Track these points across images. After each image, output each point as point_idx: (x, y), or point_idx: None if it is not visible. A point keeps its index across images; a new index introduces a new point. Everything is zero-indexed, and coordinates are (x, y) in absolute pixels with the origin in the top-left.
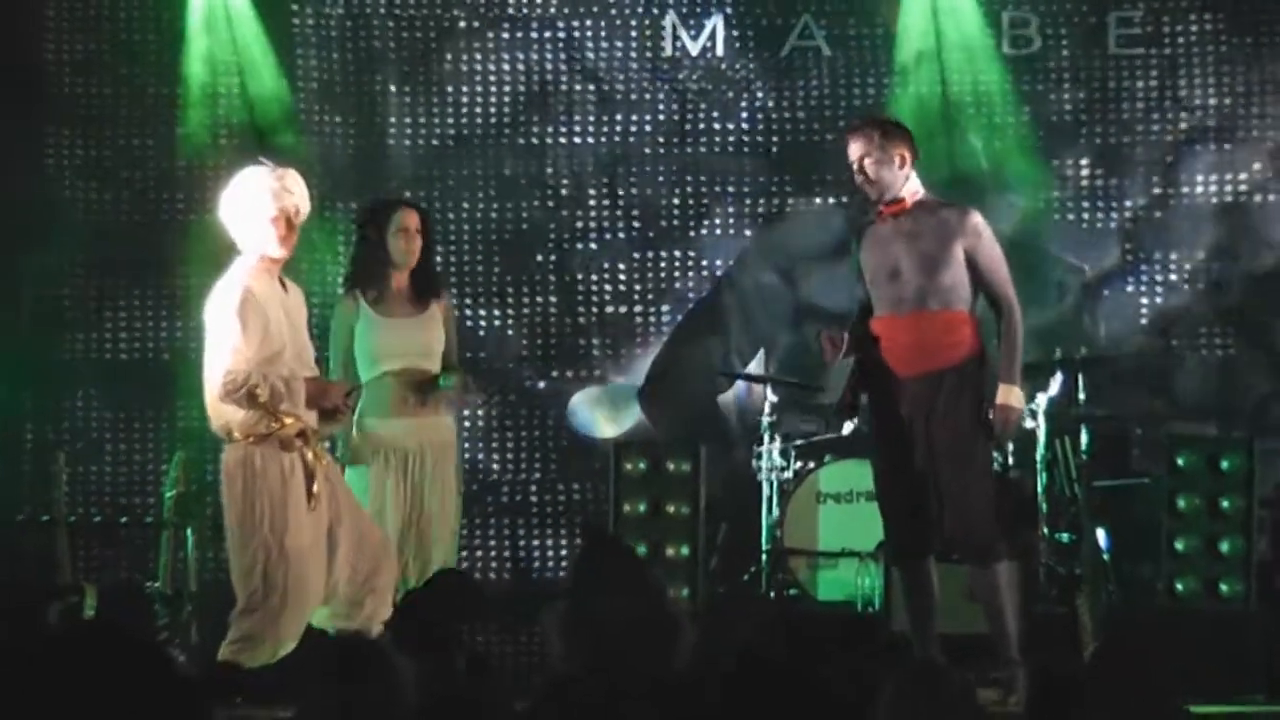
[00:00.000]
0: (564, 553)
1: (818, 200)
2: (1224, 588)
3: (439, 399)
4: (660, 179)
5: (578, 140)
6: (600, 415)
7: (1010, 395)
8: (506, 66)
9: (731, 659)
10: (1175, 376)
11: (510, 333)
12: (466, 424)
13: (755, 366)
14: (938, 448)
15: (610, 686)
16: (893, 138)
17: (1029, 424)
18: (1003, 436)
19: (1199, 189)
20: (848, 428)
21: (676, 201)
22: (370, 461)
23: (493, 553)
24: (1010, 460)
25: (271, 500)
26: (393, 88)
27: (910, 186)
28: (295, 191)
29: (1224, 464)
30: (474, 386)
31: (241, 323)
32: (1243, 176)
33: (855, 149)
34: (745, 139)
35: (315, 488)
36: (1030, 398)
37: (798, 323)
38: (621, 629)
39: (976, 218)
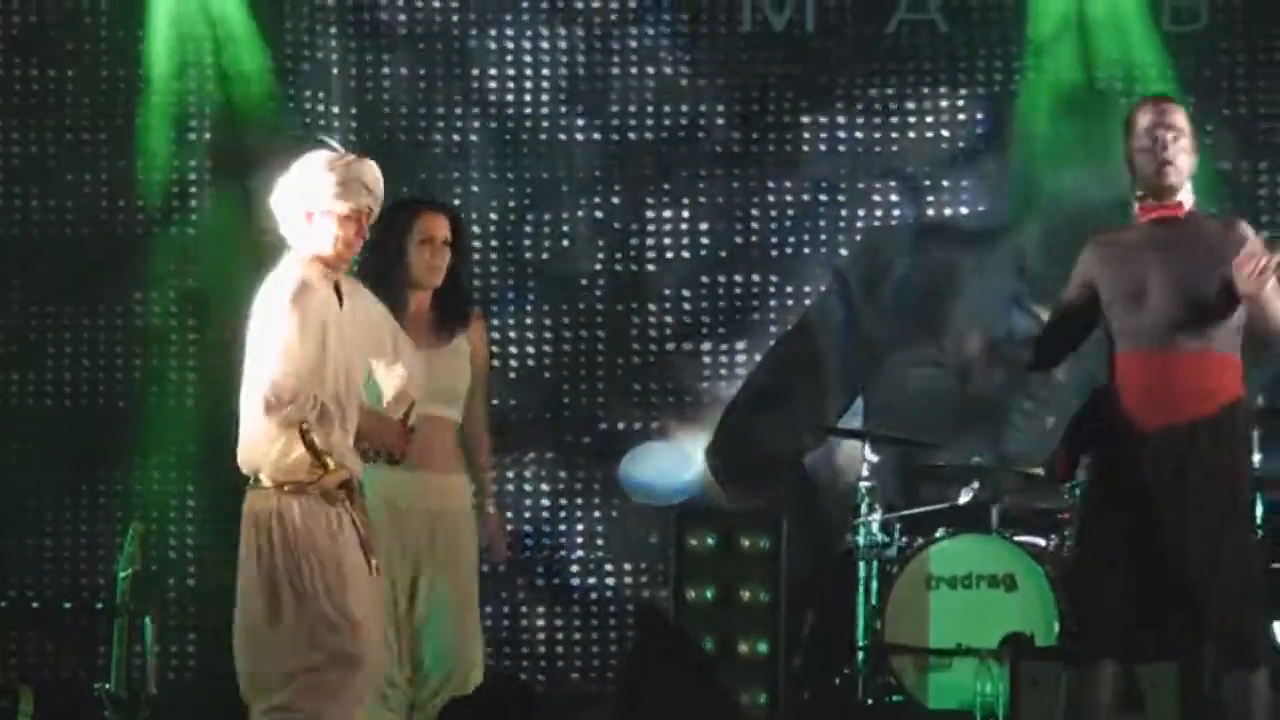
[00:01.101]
0: (613, 649)
1: (930, 212)
2: None
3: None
4: (734, 184)
5: (632, 135)
6: (660, 478)
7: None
8: (545, 48)
9: None
10: None
11: (547, 375)
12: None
13: (852, 420)
14: (1190, 516)
15: None
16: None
17: None
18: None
19: None
20: (965, 496)
21: (755, 213)
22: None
23: (524, 649)
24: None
25: (322, 559)
26: (404, 70)
27: (1190, 192)
28: (372, 188)
29: None
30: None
31: (300, 316)
32: None
33: (1179, 118)
34: (841, 134)
35: (374, 555)
36: None
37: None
38: None
39: (1244, 227)
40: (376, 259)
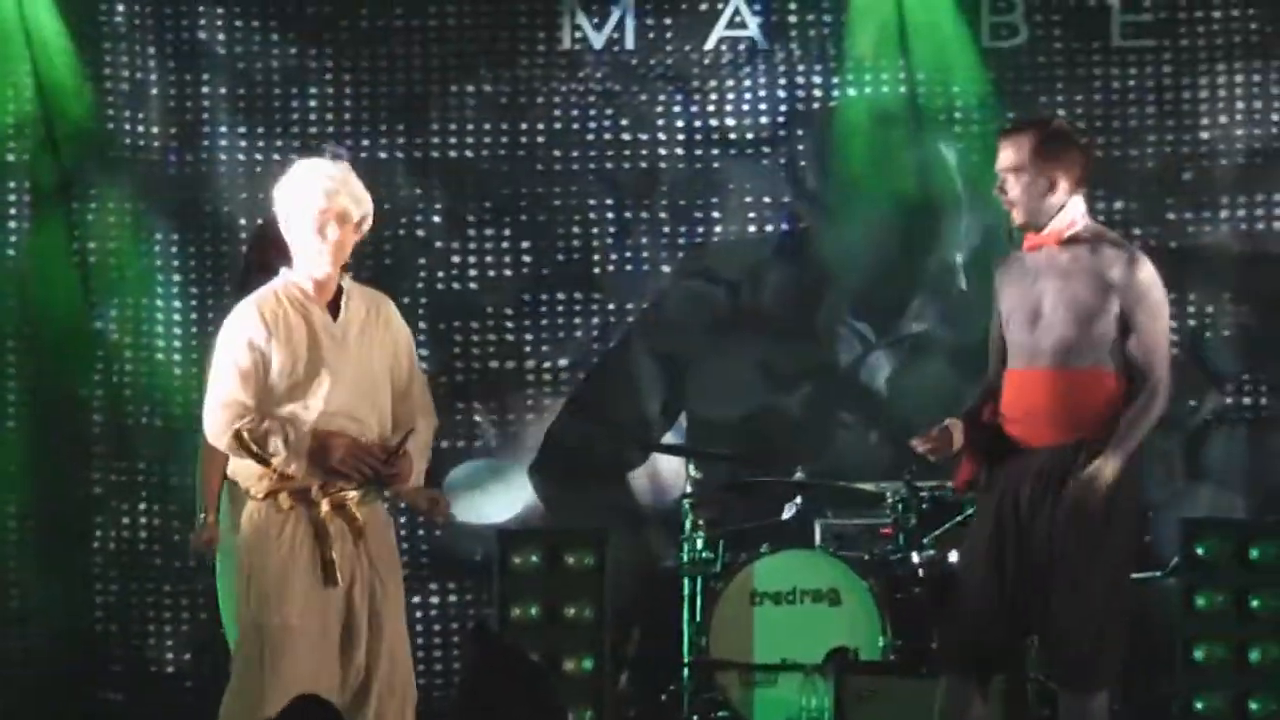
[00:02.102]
0: (438, 668)
1: (751, 229)
2: (1254, 706)
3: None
4: (556, 202)
5: (453, 154)
6: (485, 496)
7: (1105, 466)
8: (365, 64)
9: None
10: (1195, 446)
11: None
12: None
13: (675, 436)
14: (1056, 533)
15: None
16: (1053, 154)
17: None
18: (1075, 504)
19: (1223, 214)
20: (788, 512)
21: (576, 230)
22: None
23: None
24: None
25: (263, 566)
26: (223, 90)
27: (1065, 217)
28: (356, 195)
29: (1254, 553)
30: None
31: (230, 344)
32: (1277, 199)
33: (1002, 157)
34: (661, 150)
35: (334, 558)
36: None
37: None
38: None
39: (1145, 269)
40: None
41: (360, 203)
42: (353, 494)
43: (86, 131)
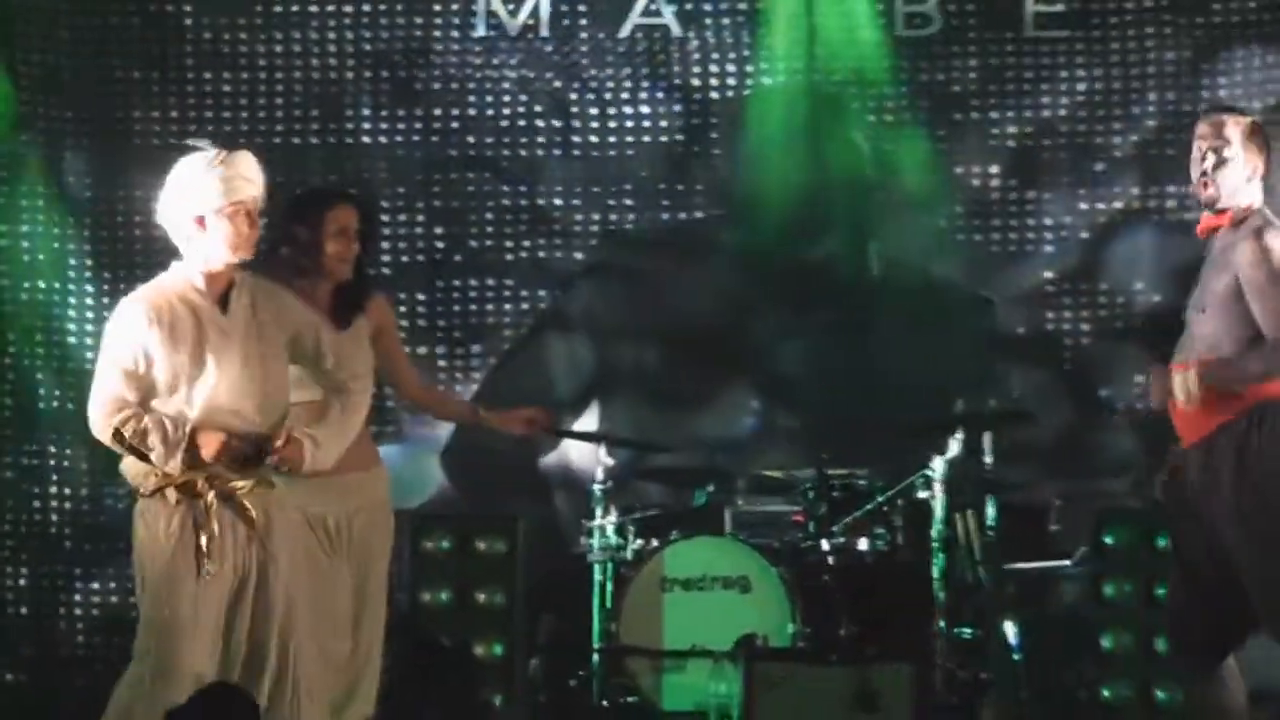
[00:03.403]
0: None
1: (664, 216)
2: (1161, 694)
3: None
4: (469, 188)
5: (366, 139)
6: (396, 482)
7: (1183, 376)
8: (279, 49)
9: None
10: (1104, 435)
11: None
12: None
13: (587, 423)
14: (1220, 526)
15: None
16: (1261, 145)
17: (922, 494)
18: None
19: (1135, 203)
20: (699, 499)
21: (489, 217)
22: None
23: None
24: (899, 538)
25: (152, 560)
26: (137, 75)
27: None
28: (254, 179)
29: (1161, 542)
30: None
31: (115, 340)
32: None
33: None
34: (575, 139)
35: (206, 548)
36: (925, 461)
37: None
38: None
39: (1268, 238)
40: (292, 251)
41: (257, 194)
42: (241, 485)
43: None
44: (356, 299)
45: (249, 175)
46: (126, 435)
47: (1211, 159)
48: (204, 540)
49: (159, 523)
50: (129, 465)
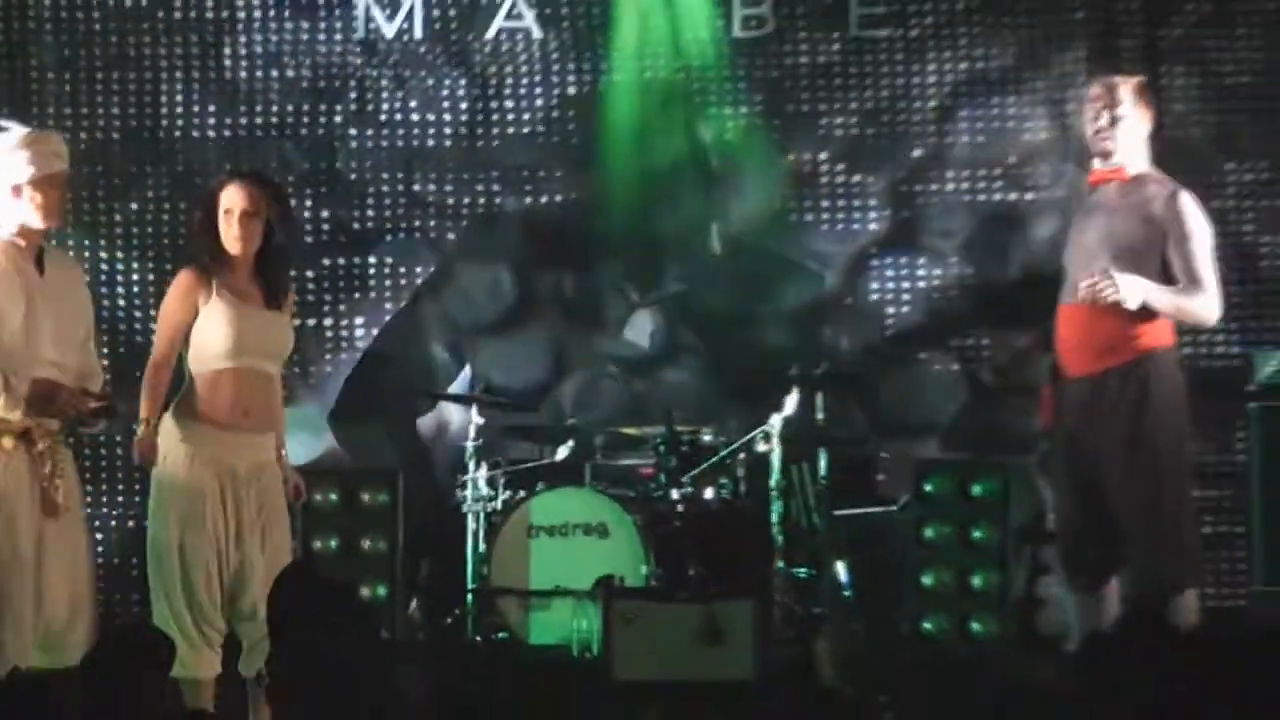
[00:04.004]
0: None
1: (527, 200)
2: (976, 626)
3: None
4: (352, 175)
5: (259, 133)
6: (290, 441)
7: (1135, 285)
8: (178, 51)
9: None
10: (923, 394)
11: None
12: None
13: (460, 385)
14: (1104, 461)
15: None
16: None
17: (761, 447)
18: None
19: (949, 186)
20: (561, 453)
21: (370, 202)
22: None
23: None
24: (741, 487)
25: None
26: (50, 75)
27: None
28: (61, 154)
29: (976, 490)
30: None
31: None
32: (997, 172)
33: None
34: (447, 130)
35: (52, 493)
36: (764, 418)
37: (507, 332)
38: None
39: (1185, 198)
40: (196, 234)
41: (63, 168)
42: (56, 433)
43: None
44: (279, 281)
45: (59, 151)
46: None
47: (1106, 117)
48: (47, 483)
49: None
50: None
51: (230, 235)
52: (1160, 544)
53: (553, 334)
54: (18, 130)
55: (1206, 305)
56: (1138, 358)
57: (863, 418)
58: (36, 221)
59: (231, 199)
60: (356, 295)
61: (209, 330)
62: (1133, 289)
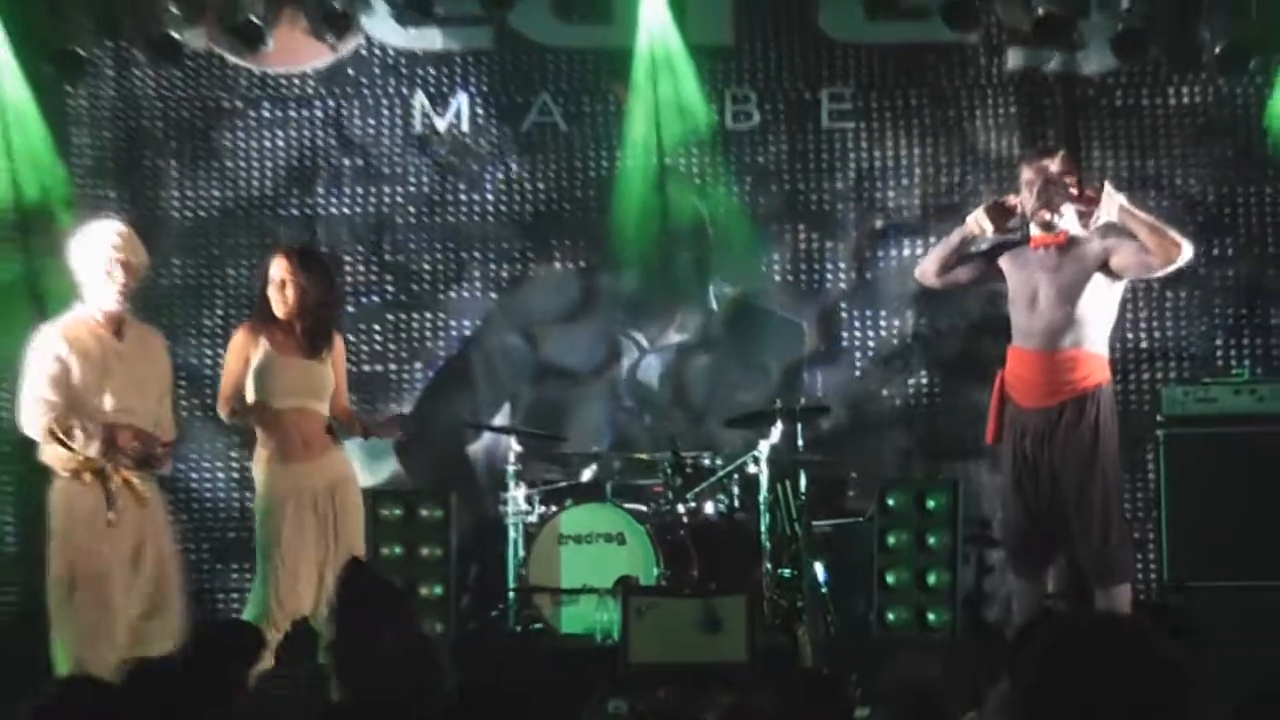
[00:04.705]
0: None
1: (557, 265)
2: (931, 617)
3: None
4: (413, 246)
5: (334, 210)
6: (362, 466)
7: (1117, 197)
8: (268, 144)
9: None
10: (883, 427)
11: None
12: (234, 469)
13: (501, 419)
14: (1059, 469)
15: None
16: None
17: (751, 469)
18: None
19: (906, 252)
20: (586, 475)
21: (427, 267)
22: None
23: None
24: (737, 504)
25: (74, 531)
26: (161, 163)
27: (1070, 217)
28: (133, 245)
29: (930, 503)
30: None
31: (40, 356)
32: (936, 239)
33: (1056, 165)
34: (490, 208)
35: (112, 515)
36: (754, 445)
37: (539, 379)
38: (390, 660)
39: (1107, 192)
40: (257, 294)
41: (137, 255)
42: (133, 472)
43: (60, 202)
44: (321, 336)
45: (134, 244)
46: (55, 429)
47: (1044, 194)
48: (111, 512)
49: (76, 500)
50: (50, 453)
51: (275, 300)
52: (1107, 544)
53: (578, 376)
54: (109, 225)
55: (1175, 233)
56: (1089, 392)
57: (833, 444)
58: (111, 298)
59: (274, 269)
60: (415, 346)
61: (257, 377)
62: (1111, 202)
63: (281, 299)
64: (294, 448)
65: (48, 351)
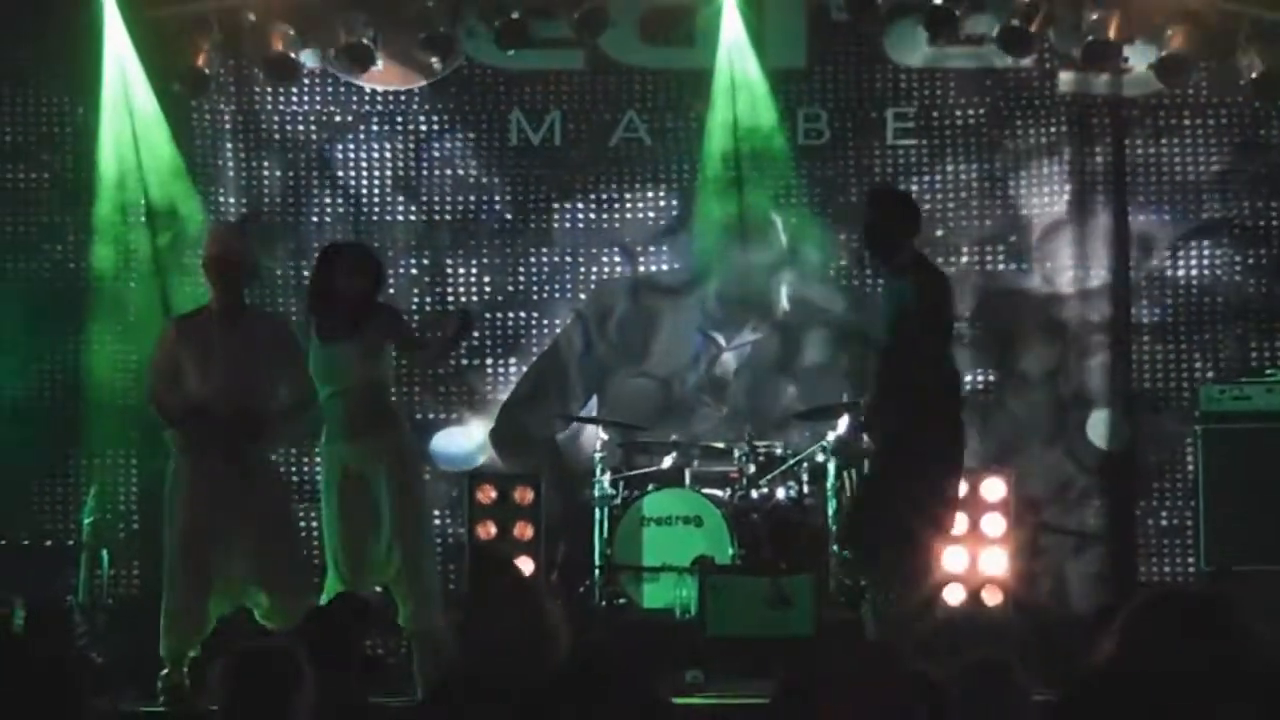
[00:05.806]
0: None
1: (641, 269)
2: (986, 597)
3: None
4: (507, 250)
5: (437, 216)
6: (460, 452)
7: None
8: (375, 155)
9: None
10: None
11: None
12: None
13: (589, 411)
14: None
15: (477, 686)
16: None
17: (819, 459)
18: None
19: (964, 259)
20: (667, 462)
21: (521, 270)
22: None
23: None
24: (806, 490)
25: (187, 501)
26: (278, 172)
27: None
28: (224, 243)
29: (985, 492)
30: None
31: (158, 344)
32: (1000, 247)
33: None
34: (579, 216)
35: (189, 490)
36: (821, 436)
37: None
38: (510, 637)
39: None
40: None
41: (233, 251)
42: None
43: (184, 205)
44: (355, 318)
45: (222, 239)
46: (160, 405)
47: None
48: (204, 486)
49: (183, 471)
50: (168, 433)
51: (343, 289)
52: None
53: (662, 372)
54: (215, 226)
55: None
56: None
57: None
58: (219, 292)
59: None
60: (511, 342)
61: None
62: None
63: (349, 285)
64: (335, 427)
65: (161, 341)
